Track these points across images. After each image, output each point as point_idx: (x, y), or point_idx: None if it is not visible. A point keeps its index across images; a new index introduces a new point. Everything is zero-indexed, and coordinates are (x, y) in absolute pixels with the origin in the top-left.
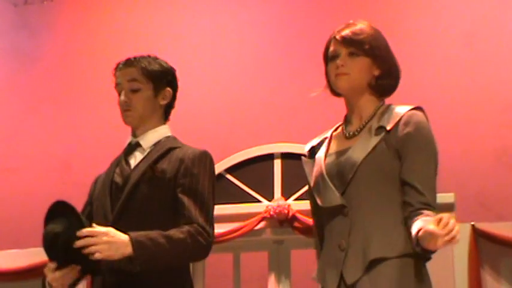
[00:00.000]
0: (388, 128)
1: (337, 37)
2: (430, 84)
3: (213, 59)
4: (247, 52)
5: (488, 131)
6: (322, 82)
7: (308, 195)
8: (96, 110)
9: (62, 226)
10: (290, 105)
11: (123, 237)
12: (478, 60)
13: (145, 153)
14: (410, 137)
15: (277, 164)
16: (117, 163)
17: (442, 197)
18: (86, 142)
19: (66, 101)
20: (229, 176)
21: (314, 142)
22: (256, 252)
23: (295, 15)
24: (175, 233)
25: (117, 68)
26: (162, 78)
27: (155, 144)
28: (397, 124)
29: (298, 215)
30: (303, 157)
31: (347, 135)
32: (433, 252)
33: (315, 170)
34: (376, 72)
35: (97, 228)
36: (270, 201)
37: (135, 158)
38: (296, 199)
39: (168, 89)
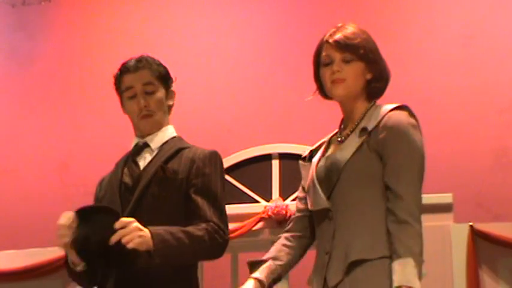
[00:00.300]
0: (370, 129)
1: (330, 41)
2: (428, 85)
3: (211, 60)
4: (245, 53)
5: (487, 132)
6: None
7: (297, 198)
8: (94, 111)
9: (92, 227)
10: (288, 106)
11: (145, 229)
12: (476, 61)
13: (154, 154)
14: (389, 138)
15: (275, 164)
16: (124, 164)
17: (440, 198)
18: (84, 143)
19: (64, 102)
20: (227, 177)
21: (314, 147)
22: (254, 253)
23: (294, 16)
24: (193, 229)
25: (125, 71)
26: (168, 79)
27: (163, 145)
28: (378, 125)
29: None
30: (300, 161)
31: (340, 139)
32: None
33: (310, 174)
34: (369, 76)
35: (125, 219)
36: (268, 201)
37: (144, 159)
38: (294, 199)
39: (172, 89)
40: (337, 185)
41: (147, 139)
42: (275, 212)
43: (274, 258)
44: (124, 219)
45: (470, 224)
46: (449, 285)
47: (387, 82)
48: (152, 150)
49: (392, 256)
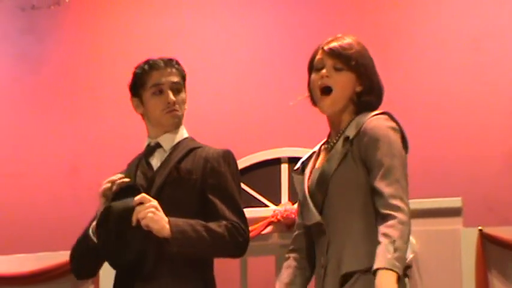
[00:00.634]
0: (351, 137)
1: (325, 48)
2: (437, 89)
3: (220, 63)
4: (255, 56)
5: (496, 136)
6: None
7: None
8: (104, 113)
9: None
10: (297, 110)
11: (165, 217)
12: (485, 65)
13: (167, 154)
14: (369, 142)
15: (284, 168)
16: (136, 165)
17: (450, 202)
18: (94, 145)
19: (73, 105)
20: None
21: (304, 158)
22: (263, 257)
23: (305, 19)
24: (213, 225)
25: (155, 67)
26: (185, 83)
27: (175, 145)
28: (358, 133)
29: None
30: (293, 174)
31: (328, 148)
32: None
33: (302, 188)
34: (358, 89)
35: (146, 196)
36: (277, 205)
37: (157, 159)
38: None
39: (186, 93)
40: (327, 198)
41: (160, 139)
42: (284, 216)
43: (288, 284)
44: (145, 196)
45: (480, 228)
46: None
47: (379, 98)
48: (165, 151)
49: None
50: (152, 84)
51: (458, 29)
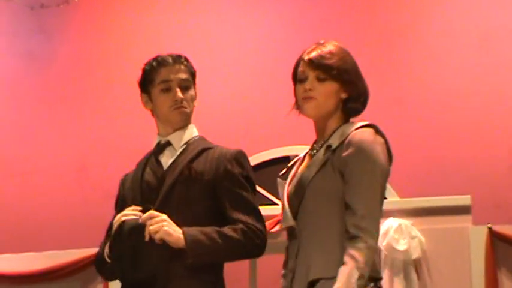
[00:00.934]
0: (334, 147)
1: (306, 59)
2: (445, 88)
3: (228, 62)
4: (263, 55)
5: (504, 134)
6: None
7: None
8: (112, 112)
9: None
10: None
11: (178, 228)
12: (492, 64)
13: (178, 153)
14: (350, 158)
15: None
16: (145, 162)
17: (459, 200)
18: (102, 145)
19: (82, 104)
20: None
21: (290, 163)
22: (272, 255)
23: (312, 18)
24: (228, 230)
25: (163, 63)
26: (195, 80)
27: (186, 144)
28: (342, 143)
29: None
30: (278, 178)
31: (312, 154)
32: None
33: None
34: (344, 96)
35: (155, 212)
36: None
37: (167, 158)
38: None
39: (195, 90)
40: (302, 204)
41: (170, 137)
42: None
43: None
44: (153, 212)
45: (489, 226)
46: (468, 287)
47: (365, 103)
48: (175, 149)
49: None
50: (160, 80)
51: (465, 28)
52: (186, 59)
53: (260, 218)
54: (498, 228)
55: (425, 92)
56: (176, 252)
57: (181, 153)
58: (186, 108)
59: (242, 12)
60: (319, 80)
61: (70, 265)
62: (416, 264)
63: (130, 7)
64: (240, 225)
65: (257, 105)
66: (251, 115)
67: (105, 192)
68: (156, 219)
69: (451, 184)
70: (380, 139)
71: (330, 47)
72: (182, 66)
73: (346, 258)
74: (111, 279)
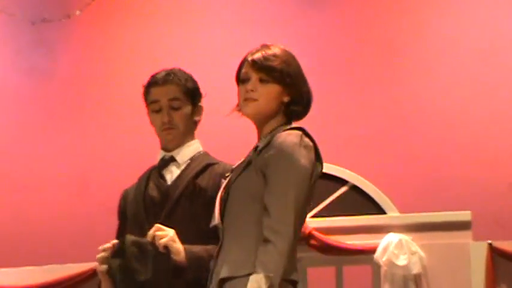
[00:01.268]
0: (260, 148)
1: (249, 60)
2: (447, 101)
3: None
4: None
5: (505, 149)
6: (342, 88)
7: None
8: (114, 126)
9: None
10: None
11: (180, 245)
12: (495, 77)
13: (182, 168)
14: (271, 159)
15: None
16: (148, 177)
17: (459, 215)
18: (104, 160)
19: (84, 118)
20: None
21: (236, 164)
22: None
23: (316, 28)
24: None
25: (153, 83)
26: (197, 95)
27: (190, 159)
28: (267, 145)
29: (315, 233)
30: (222, 179)
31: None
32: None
33: None
34: (286, 99)
35: (162, 227)
36: None
37: (171, 173)
38: (312, 216)
39: (200, 104)
40: (227, 203)
41: (173, 153)
42: None
43: None
44: (160, 225)
45: (489, 242)
46: None
47: (307, 106)
48: (179, 164)
49: None
50: (150, 101)
51: (468, 40)
52: (178, 75)
53: None
54: (498, 244)
55: (426, 108)
56: (177, 268)
57: (185, 168)
58: (174, 128)
59: (246, 23)
60: (261, 81)
61: (71, 278)
62: (416, 279)
63: (132, 21)
64: None
65: None
66: (254, 131)
67: (106, 208)
68: (164, 232)
69: (451, 200)
70: (307, 142)
71: (274, 49)
72: (173, 85)
73: (257, 265)
74: None
